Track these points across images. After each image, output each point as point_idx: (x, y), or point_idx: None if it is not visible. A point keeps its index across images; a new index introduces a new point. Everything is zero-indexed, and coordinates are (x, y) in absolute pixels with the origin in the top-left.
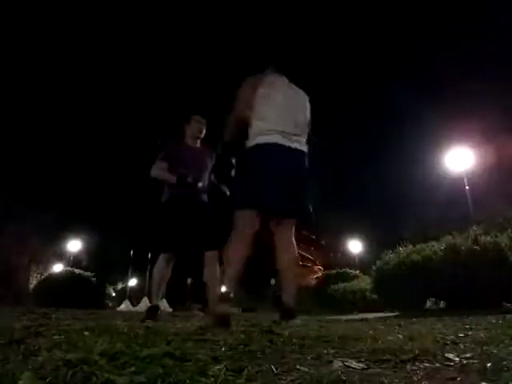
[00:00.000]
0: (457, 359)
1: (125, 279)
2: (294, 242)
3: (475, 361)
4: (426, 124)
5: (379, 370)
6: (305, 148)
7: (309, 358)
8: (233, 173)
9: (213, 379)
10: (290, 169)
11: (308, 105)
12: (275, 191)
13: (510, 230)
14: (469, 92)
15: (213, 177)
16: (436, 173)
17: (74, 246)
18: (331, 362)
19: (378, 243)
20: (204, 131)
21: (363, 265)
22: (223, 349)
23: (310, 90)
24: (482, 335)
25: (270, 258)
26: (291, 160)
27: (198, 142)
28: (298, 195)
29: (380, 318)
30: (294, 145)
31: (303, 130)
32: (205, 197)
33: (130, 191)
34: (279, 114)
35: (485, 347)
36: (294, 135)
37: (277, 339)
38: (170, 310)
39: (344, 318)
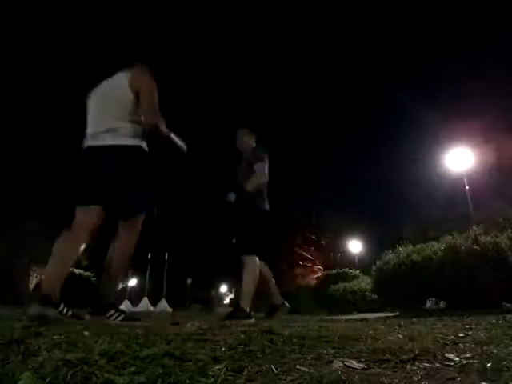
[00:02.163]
0: (457, 359)
1: (125, 279)
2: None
3: (475, 361)
4: (426, 124)
5: (379, 369)
6: (119, 140)
7: (309, 358)
8: None
9: (213, 379)
10: (95, 166)
11: (126, 83)
12: (84, 188)
13: (510, 230)
14: (469, 92)
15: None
16: (436, 173)
17: None
18: (331, 362)
19: (378, 243)
20: (240, 143)
21: (363, 265)
22: (223, 349)
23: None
24: (482, 335)
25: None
26: (94, 158)
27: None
28: (108, 189)
29: (380, 317)
30: (98, 142)
31: (120, 119)
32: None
33: None
34: (91, 116)
35: (485, 347)
36: (104, 132)
37: (277, 339)
38: (170, 310)
39: (344, 317)
